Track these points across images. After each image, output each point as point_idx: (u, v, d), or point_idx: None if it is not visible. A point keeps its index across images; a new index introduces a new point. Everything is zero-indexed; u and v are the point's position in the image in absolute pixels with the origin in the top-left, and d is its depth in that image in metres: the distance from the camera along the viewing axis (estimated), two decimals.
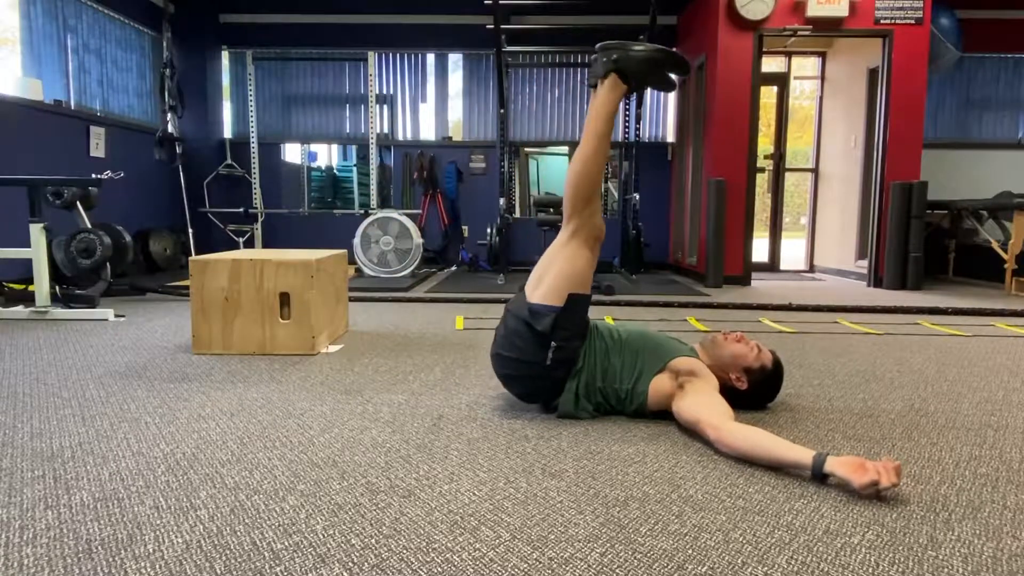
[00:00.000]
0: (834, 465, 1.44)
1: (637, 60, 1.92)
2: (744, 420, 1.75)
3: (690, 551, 1.19)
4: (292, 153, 7.57)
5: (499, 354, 1.97)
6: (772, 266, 7.19)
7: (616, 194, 7.91)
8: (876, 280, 5.75)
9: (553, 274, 1.89)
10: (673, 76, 2.02)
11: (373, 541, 1.22)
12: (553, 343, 1.86)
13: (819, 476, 1.47)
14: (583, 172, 1.92)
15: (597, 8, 6.79)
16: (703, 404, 1.77)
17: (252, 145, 6.99)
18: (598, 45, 1.97)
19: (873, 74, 6.00)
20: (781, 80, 7.04)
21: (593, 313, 3.97)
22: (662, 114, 7.36)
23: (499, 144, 6.87)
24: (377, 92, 7.10)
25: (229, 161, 7.04)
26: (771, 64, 6.84)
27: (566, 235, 1.93)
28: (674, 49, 2.13)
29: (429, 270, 6.58)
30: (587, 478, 1.52)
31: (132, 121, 6.27)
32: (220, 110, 7.23)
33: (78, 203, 4.11)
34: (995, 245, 5.53)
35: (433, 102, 7.38)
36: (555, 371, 1.90)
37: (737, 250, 5.75)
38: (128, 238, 4.40)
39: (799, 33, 5.58)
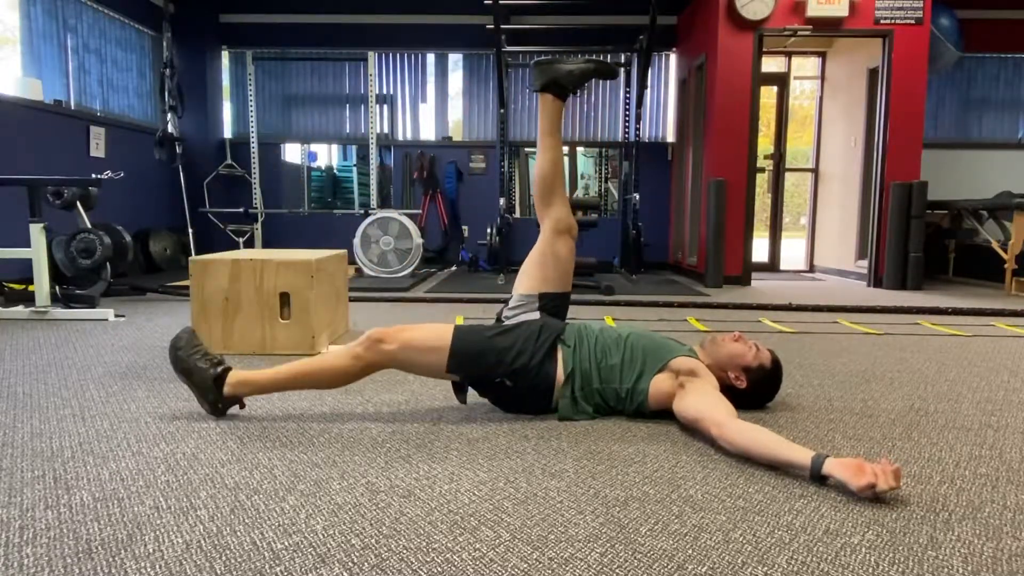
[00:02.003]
0: (832, 467, 1.44)
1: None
2: (744, 420, 1.75)
3: (690, 551, 1.19)
4: (292, 153, 7.57)
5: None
6: (772, 266, 7.19)
7: (616, 194, 7.92)
8: (876, 280, 5.75)
9: (418, 367, 1.93)
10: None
11: (373, 541, 1.22)
12: (496, 379, 1.90)
13: (817, 477, 1.47)
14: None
15: (597, 8, 6.79)
16: (705, 402, 1.77)
17: (252, 145, 6.99)
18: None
19: (873, 74, 6.00)
20: (781, 80, 7.04)
21: (593, 313, 4.00)
22: (662, 114, 7.36)
23: (499, 144, 6.87)
24: (377, 92, 7.09)
25: (229, 161, 7.04)
26: (771, 64, 6.83)
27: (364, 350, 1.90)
28: (601, 59, 2.38)
29: (429, 270, 6.58)
30: (587, 478, 1.52)
31: (132, 121, 6.27)
32: (220, 110, 7.24)
33: (78, 203, 4.11)
34: (995, 245, 5.53)
35: (433, 102, 7.38)
36: (524, 377, 1.90)
37: (737, 250, 5.74)
38: (128, 238, 4.40)
39: (799, 33, 5.58)
